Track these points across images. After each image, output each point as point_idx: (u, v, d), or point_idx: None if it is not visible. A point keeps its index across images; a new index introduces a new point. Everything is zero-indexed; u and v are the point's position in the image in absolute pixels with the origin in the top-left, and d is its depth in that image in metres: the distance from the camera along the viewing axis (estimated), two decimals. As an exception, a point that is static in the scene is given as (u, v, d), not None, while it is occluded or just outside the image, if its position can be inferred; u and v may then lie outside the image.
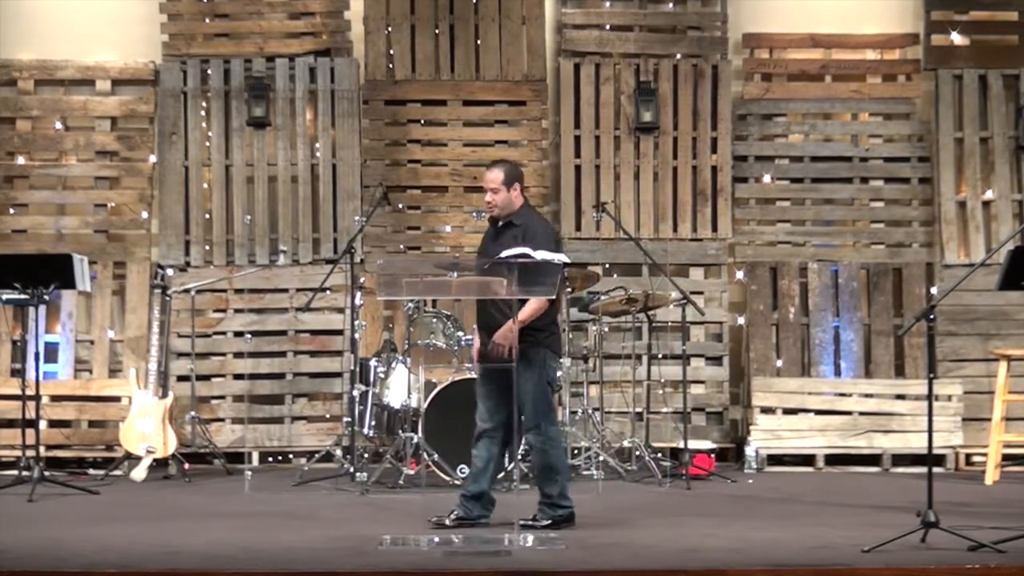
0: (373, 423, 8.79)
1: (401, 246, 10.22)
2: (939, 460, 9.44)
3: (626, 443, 9.26)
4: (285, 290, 10.13)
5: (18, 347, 9.61)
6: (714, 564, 5.85)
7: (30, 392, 8.37)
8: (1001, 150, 10.34)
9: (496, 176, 6.93)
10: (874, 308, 10.29)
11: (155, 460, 8.87)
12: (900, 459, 9.59)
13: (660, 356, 9.65)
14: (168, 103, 10.20)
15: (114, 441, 9.37)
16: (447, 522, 6.77)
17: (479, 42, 10.34)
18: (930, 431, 6.34)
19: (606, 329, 9.48)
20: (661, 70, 10.34)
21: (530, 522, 6.74)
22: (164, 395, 9.03)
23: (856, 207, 10.47)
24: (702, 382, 10.20)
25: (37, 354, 8.57)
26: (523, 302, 6.60)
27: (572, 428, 9.05)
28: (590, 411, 9.23)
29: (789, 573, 5.69)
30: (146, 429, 8.88)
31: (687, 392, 9.01)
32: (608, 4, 10.50)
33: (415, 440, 8.31)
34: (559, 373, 8.90)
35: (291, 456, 9.92)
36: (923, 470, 6.50)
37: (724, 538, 6.51)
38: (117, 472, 9.04)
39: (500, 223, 6.99)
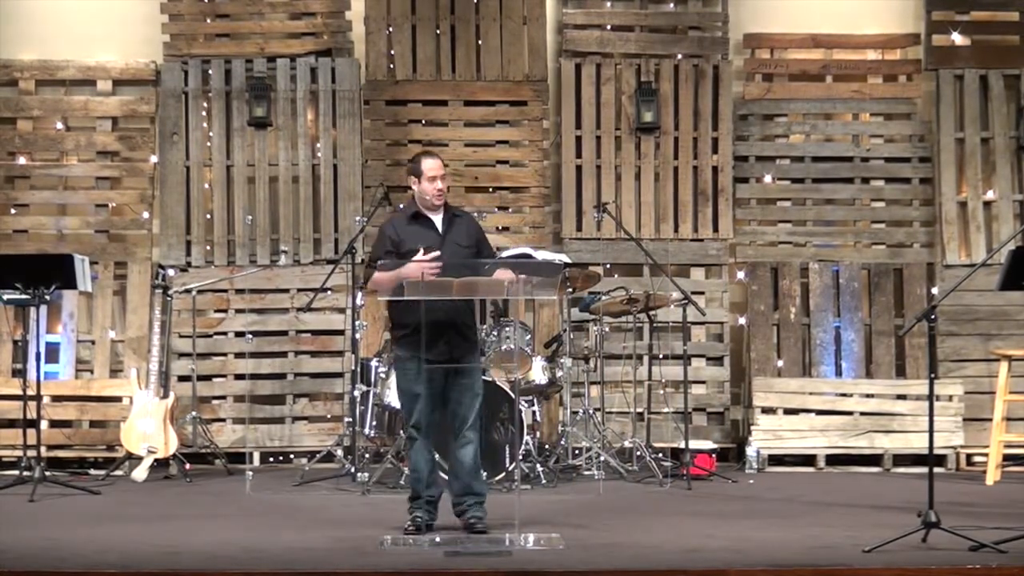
0: (374, 423, 8.79)
1: (402, 246, 10.20)
2: (940, 460, 9.44)
3: (627, 443, 9.26)
4: (286, 290, 10.14)
5: (19, 347, 9.62)
6: (715, 564, 5.85)
7: (31, 392, 8.38)
8: (1002, 150, 10.34)
9: (442, 165, 6.77)
10: (875, 308, 10.29)
11: (156, 460, 8.88)
12: (901, 459, 9.59)
13: (661, 356, 9.65)
14: (169, 103, 10.21)
15: (115, 441, 9.38)
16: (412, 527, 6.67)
17: (480, 42, 10.34)
18: (931, 431, 6.34)
19: (607, 329, 9.48)
20: (662, 70, 10.34)
21: (475, 523, 6.63)
22: (165, 395, 9.03)
23: (857, 207, 10.47)
24: (703, 382, 10.20)
25: (38, 354, 8.57)
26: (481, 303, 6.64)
27: (573, 428, 9.06)
28: (591, 411, 9.23)
29: (790, 573, 5.69)
30: (147, 429, 8.88)
31: (688, 392, 9.01)
32: (609, 4, 10.50)
33: (416, 440, 8.30)
34: (560, 373, 8.92)
35: (292, 456, 9.92)
36: (924, 470, 6.50)
37: (725, 538, 6.51)
38: (118, 472, 9.04)
39: (443, 214, 6.78)
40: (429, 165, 6.70)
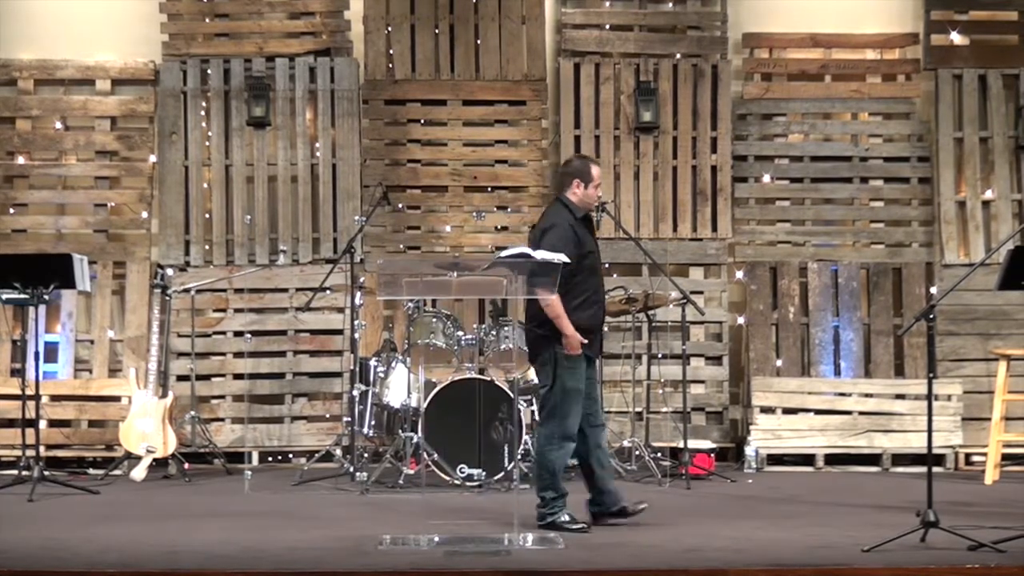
0: (373, 423, 8.79)
1: (401, 246, 10.22)
2: (939, 460, 9.45)
3: (626, 443, 9.26)
4: (285, 290, 10.13)
5: (18, 347, 9.60)
6: (715, 564, 5.86)
7: (30, 392, 8.37)
8: (1001, 150, 10.34)
9: None
10: (874, 308, 10.29)
11: (155, 460, 8.87)
12: (900, 459, 9.60)
13: (660, 356, 9.64)
14: (168, 103, 10.21)
15: (114, 441, 9.37)
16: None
17: (479, 42, 10.34)
18: (930, 431, 6.35)
19: (606, 329, 9.45)
20: (661, 70, 10.34)
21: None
22: (164, 395, 9.03)
23: (856, 207, 10.47)
24: (702, 382, 10.20)
25: (37, 354, 8.58)
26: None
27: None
28: (590, 411, 9.22)
29: (790, 573, 5.70)
30: (146, 429, 8.88)
31: (687, 392, 9.01)
32: (608, 4, 10.50)
33: (415, 440, 8.31)
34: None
35: (291, 456, 9.92)
36: (923, 470, 6.51)
37: (725, 538, 6.51)
38: (117, 472, 9.04)
39: (584, 217, 7.03)
40: (597, 172, 7.04)
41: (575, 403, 6.77)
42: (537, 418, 7.22)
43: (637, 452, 9.01)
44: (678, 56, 10.38)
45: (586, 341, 6.73)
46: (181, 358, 9.85)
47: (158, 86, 10.24)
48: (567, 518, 6.75)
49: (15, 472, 8.41)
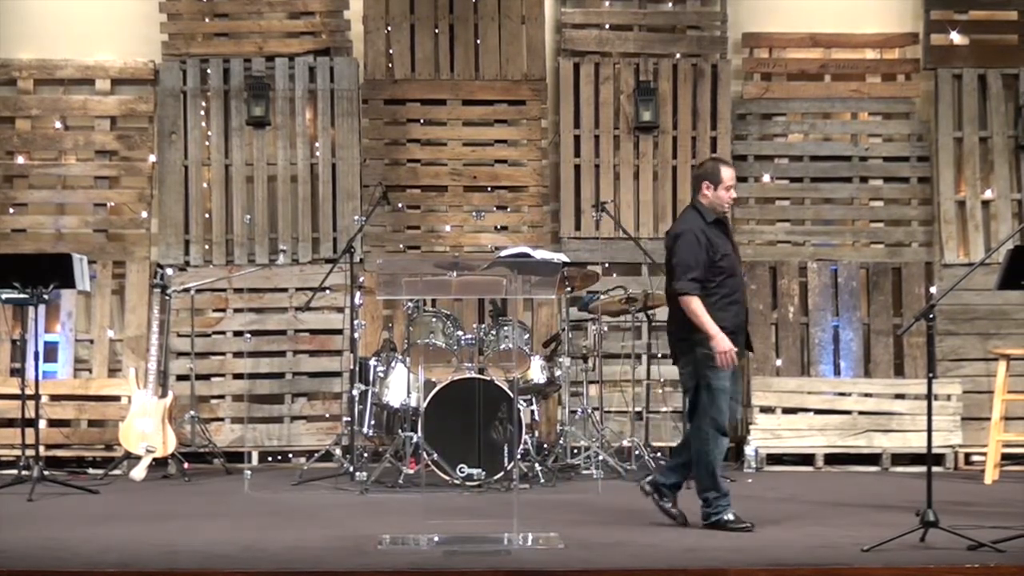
0: (373, 422, 8.79)
1: (401, 245, 10.22)
2: (938, 459, 9.45)
3: (625, 442, 9.26)
4: (285, 289, 10.13)
5: (18, 346, 9.60)
6: (715, 563, 5.86)
7: (30, 391, 8.37)
8: (1000, 149, 10.35)
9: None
10: (873, 307, 10.29)
11: (155, 459, 8.88)
12: (899, 458, 9.60)
13: (659, 355, 9.63)
14: (168, 102, 10.21)
15: (114, 440, 9.37)
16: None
17: (479, 41, 10.34)
18: (929, 430, 6.35)
19: (605, 328, 9.47)
20: (661, 69, 10.34)
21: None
22: (164, 394, 9.03)
23: (856, 206, 10.48)
24: (702, 381, 10.18)
25: (37, 353, 8.58)
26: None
27: (572, 427, 9.07)
28: (589, 410, 9.23)
29: (789, 572, 5.70)
30: (146, 428, 8.88)
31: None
32: (608, 3, 10.50)
33: (415, 439, 8.31)
34: (558, 372, 8.90)
35: (291, 455, 9.92)
36: (922, 469, 6.51)
37: (724, 537, 6.52)
38: (117, 471, 9.04)
39: (716, 220, 6.95)
40: (728, 174, 6.88)
41: (723, 400, 6.79)
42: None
43: (637, 452, 9.01)
44: (678, 56, 10.38)
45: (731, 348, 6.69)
46: (181, 358, 9.85)
47: (158, 86, 10.24)
48: (732, 517, 6.75)
49: (15, 472, 8.40)
